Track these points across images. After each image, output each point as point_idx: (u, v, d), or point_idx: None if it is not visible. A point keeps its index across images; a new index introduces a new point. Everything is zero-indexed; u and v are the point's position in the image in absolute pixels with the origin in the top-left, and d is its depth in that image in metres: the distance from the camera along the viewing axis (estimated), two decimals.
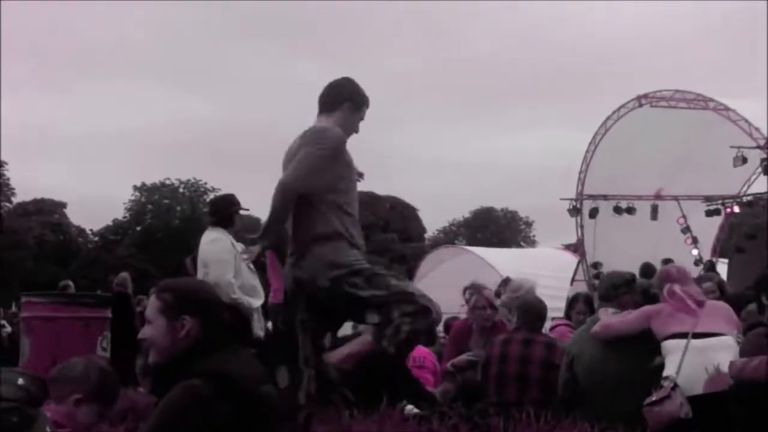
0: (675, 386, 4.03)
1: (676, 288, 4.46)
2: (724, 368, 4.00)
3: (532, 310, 5.08)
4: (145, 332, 2.70)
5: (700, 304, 4.42)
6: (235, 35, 69.14)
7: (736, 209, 16.41)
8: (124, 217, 44.96)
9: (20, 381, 2.88)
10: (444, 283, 14.48)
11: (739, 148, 13.42)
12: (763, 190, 16.05)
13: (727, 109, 14.22)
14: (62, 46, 66.76)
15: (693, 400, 3.99)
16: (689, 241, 16.44)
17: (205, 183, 44.63)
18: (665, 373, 4.15)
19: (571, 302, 6.72)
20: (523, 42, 73.57)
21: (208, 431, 2.44)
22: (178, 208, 44.59)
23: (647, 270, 13.41)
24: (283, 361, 3.54)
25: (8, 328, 15.39)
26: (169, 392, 2.51)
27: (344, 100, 3.81)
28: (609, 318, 4.65)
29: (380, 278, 3.55)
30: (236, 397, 2.48)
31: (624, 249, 14.89)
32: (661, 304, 4.62)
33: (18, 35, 60.21)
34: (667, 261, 14.36)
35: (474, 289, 5.76)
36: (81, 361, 3.11)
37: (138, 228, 44.19)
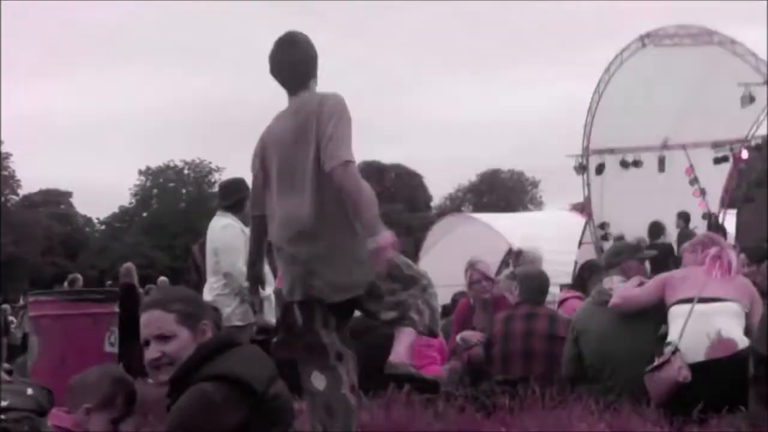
0: (675, 351, 3.95)
1: (724, 254, 4.27)
2: (727, 334, 3.95)
3: (534, 283, 5.04)
4: (166, 349, 2.62)
5: (730, 272, 4.22)
6: (233, 9, 68.48)
7: (745, 155, 15.45)
8: (131, 203, 45.00)
9: (29, 391, 3.05)
10: (451, 254, 14.04)
11: (746, 85, 12.67)
12: None
13: (733, 42, 13.40)
14: (55, 34, 66.47)
15: (695, 366, 3.92)
16: (697, 193, 15.71)
17: (210, 162, 44.69)
18: (668, 339, 4.09)
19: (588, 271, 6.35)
20: None
21: None
22: (184, 191, 44.61)
23: (656, 229, 13.20)
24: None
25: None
26: (181, 398, 2.50)
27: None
28: (628, 289, 4.49)
29: None
30: (247, 399, 2.48)
31: (632, 206, 14.45)
32: (677, 270, 4.46)
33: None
34: (683, 214, 14.07)
35: (468, 265, 5.77)
36: (95, 371, 3.16)
37: (144, 214, 44.21)
